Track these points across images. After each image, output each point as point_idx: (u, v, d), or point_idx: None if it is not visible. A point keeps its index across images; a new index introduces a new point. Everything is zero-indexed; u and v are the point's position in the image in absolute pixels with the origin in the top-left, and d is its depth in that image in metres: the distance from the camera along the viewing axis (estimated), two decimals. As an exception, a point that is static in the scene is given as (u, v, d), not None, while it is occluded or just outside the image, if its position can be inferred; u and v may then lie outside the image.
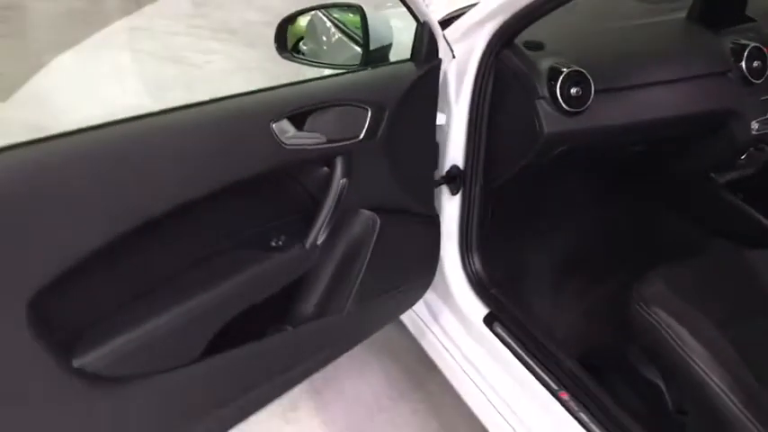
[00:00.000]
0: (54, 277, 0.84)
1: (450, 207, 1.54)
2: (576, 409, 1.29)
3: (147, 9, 4.71)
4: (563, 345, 1.41)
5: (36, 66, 3.62)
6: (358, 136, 1.17)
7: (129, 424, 1.03)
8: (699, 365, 1.20)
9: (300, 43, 1.57)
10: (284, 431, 1.77)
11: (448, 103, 1.44)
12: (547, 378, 1.36)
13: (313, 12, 1.54)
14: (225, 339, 1.14)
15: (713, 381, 1.17)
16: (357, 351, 1.95)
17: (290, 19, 1.38)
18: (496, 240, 1.76)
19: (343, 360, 1.92)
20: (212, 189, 0.98)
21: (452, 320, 1.61)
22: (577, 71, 1.35)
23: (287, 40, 1.39)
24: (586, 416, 1.27)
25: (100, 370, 0.96)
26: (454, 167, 1.49)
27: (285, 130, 1.05)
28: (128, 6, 4.75)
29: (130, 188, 0.90)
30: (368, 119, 1.18)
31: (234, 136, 1.01)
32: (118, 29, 4.34)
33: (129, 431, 1.04)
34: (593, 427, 1.25)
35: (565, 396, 1.32)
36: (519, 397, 1.42)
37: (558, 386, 1.34)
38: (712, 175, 1.76)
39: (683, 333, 1.24)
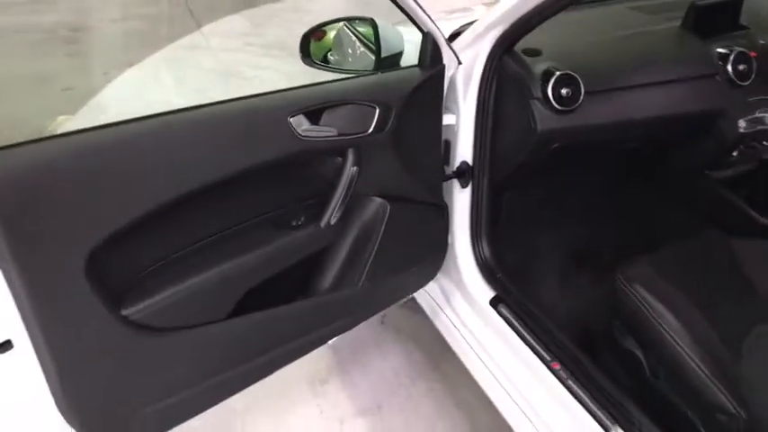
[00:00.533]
0: (106, 238, 1.04)
1: (461, 199, 1.70)
2: (564, 377, 1.43)
3: (206, 29, 5.02)
4: (559, 323, 1.56)
5: (103, 81, 3.94)
6: (367, 131, 1.35)
7: (166, 368, 1.22)
8: (673, 338, 1.33)
9: (328, 54, 1.77)
10: (314, 402, 1.97)
11: (457, 105, 1.60)
12: (542, 351, 1.50)
13: (339, 26, 1.74)
14: (255, 305, 1.33)
15: (685, 352, 1.30)
16: (382, 336, 2.16)
17: (312, 31, 1.58)
18: (509, 232, 1.91)
19: (370, 342, 2.12)
20: (239, 170, 1.17)
21: (463, 303, 1.76)
22: (568, 74, 1.50)
23: (310, 50, 1.58)
24: (573, 382, 1.41)
25: (143, 319, 1.16)
26: (463, 163, 1.65)
27: (300, 123, 1.24)
28: (189, 26, 5.08)
29: (173, 167, 1.10)
30: (376, 116, 1.35)
31: (257, 127, 1.20)
32: (179, 46, 4.66)
33: (165, 374, 1.23)
34: (579, 391, 1.39)
35: (556, 366, 1.46)
36: (519, 371, 1.57)
37: (551, 358, 1.48)
38: (707, 171, 1.87)
39: (661, 309, 1.37)
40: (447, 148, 1.66)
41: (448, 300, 1.82)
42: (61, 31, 4.94)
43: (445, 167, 1.67)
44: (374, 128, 1.36)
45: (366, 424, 1.90)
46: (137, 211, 1.06)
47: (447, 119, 1.60)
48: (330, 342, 1.55)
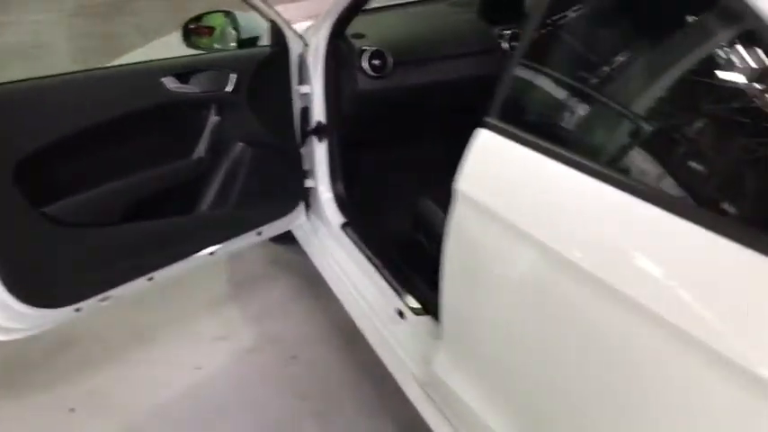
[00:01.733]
0: (23, 158, 1.51)
1: (319, 151, 2.23)
2: (381, 266, 1.97)
3: (156, 42, 5.55)
4: (386, 236, 2.09)
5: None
6: (225, 90, 1.88)
7: (75, 253, 1.69)
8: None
9: (215, 45, 2.31)
10: (211, 319, 2.49)
11: (310, 78, 2.13)
12: (369, 253, 2.03)
13: (222, 24, 2.29)
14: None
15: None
16: (273, 271, 2.68)
17: (191, 21, 2.13)
18: (363, 182, 2.45)
19: (262, 276, 2.64)
20: (125, 112, 1.68)
21: (324, 231, 2.29)
22: (377, 50, 2.06)
23: (190, 37, 2.13)
24: (383, 268, 1.95)
25: (59, 216, 1.65)
26: (319, 122, 2.18)
27: (172, 82, 1.76)
28: (139, 41, 5.60)
29: (76, 109, 1.61)
30: (233, 80, 1.88)
31: (139, 83, 1.73)
32: (130, 58, 5.17)
33: (75, 258, 1.69)
34: (387, 274, 1.92)
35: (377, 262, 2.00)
36: (354, 270, 2.10)
37: (373, 259, 2.01)
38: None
39: (436, 209, 1.89)
40: (306, 111, 2.18)
41: (315, 230, 2.34)
42: (26, 50, 5.44)
43: (307, 127, 2.20)
44: (233, 89, 1.88)
45: (252, 329, 2.44)
46: (47, 139, 1.56)
47: (304, 89, 2.12)
48: (211, 251, 2.02)
